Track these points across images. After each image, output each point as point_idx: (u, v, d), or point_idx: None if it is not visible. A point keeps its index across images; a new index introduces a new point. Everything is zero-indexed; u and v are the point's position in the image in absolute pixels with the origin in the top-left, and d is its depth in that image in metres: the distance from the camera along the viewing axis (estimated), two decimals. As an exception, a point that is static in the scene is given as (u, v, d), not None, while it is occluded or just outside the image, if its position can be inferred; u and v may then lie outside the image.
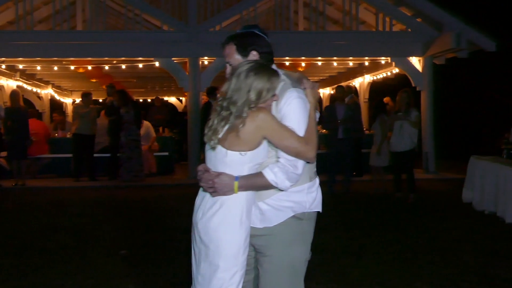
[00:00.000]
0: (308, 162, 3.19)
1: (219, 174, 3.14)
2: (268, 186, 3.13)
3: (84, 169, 14.60)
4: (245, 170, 3.14)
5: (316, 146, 3.12)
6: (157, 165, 15.39)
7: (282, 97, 3.16)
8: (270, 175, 3.10)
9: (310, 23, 15.53)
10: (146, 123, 15.60)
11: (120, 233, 8.13)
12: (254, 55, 3.28)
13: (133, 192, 12.33)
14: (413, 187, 10.80)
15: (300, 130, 3.12)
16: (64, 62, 16.66)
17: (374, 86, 20.09)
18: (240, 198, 3.15)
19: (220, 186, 3.11)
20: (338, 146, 11.61)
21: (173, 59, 14.71)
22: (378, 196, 11.41)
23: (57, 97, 22.97)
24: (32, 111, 16.50)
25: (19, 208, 10.58)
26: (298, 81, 3.28)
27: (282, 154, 3.12)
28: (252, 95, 3.08)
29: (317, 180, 3.36)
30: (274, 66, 3.33)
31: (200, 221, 3.20)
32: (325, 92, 23.16)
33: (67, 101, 24.29)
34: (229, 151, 3.12)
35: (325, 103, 22.49)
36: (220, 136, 3.13)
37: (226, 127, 3.11)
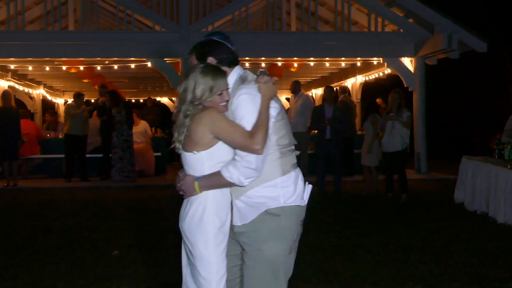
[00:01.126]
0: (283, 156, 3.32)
1: (184, 176, 3.36)
2: (227, 183, 3.24)
3: (76, 170, 14.57)
4: (205, 170, 3.29)
5: (263, 138, 3.15)
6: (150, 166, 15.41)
7: (234, 95, 3.32)
8: (225, 173, 3.22)
9: (302, 23, 15.54)
10: (143, 122, 15.61)
11: (112, 233, 8.11)
12: (211, 61, 3.43)
13: (124, 193, 12.31)
14: (405, 188, 10.83)
15: (248, 125, 3.20)
16: (56, 63, 16.63)
17: (366, 87, 20.13)
18: (204, 198, 3.30)
19: (185, 188, 3.34)
20: (326, 146, 11.62)
21: (165, 59, 14.70)
22: (370, 196, 11.43)
23: (49, 97, 22.89)
24: (23, 112, 16.45)
25: (11, 209, 10.54)
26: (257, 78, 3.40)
27: (236, 150, 3.24)
28: (197, 92, 3.26)
29: (293, 174, 3.38)
30: (238, 67, 3.51)
31: (180, 223, 3.40)
32: (317, 92, 23.17)
33: (59, 101, 24.22)
34: (186, 153, 3.33)
35: (318, 103, 22.51)
36: (181, 139, 3.34)
37: (185, 130, 3.30)
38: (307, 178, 11.45)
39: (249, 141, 3.14)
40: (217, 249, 3.28)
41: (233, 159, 3.24)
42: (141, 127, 15.51)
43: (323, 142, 11.67)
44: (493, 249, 7.05)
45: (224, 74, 3.35)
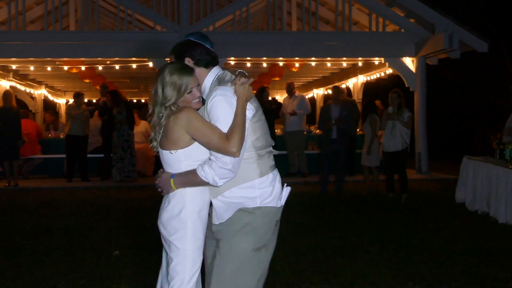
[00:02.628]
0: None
1: (162, 173, 3.45)
2: (202, 182, 3.29)
3: (76, 170, 14.59)
4: (182, 168, 3.36)
5: (240, 141, 3.16)
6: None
7: (209, 96, 3.34)
8: (200, 172, 3.26)
9: (303, 23, 15.54)
10: (144, 122, 15.64)
11: (113, 233, 8.12)
12: (188, 62, 3.47)
13: (125, 193, 12.31)
14: (405, 187, 10.82)
15: (223, 126, 3.22)
16: (57, 63, 16.63)
17: (367, 87, 20.12)
18: (183, 195, 3.37)
19: (161, 184, 3.42)
20: (332, 146, 11.63)
21: (166, 59, 14.67)
22: (371, 196, 11.42)
23: (50, 97, 22.89)
24: (24, 111, 16.49)
25: (11, 209, 10.54)
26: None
27: (211, 151, 3.28)
28: (166, 94, 3.31)
29: (271, 176, 3.41)
30: (217, 68, 3.53)
31: (158, 220, 3.49)
32: (319, 92, 23.17)
33: (61, 101, 24.21)
34: (164, 151, 3.39)
35: (319, 103, 22.52)
36: (157, 138, 3.41)
37: (161, 130, 3.36)
38: (309, 177, 11.44)
39: (225, 143, 3.16)
40: (194, 245, 3.35)
41: (209, 158, 3.29)
42: (142, 127, 15.52)
43: (329, 142, 11.67)
44: (493, 249, 7.04)
45: (191, 71, 3.38)
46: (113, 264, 6.44)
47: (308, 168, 14.74)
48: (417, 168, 15.16)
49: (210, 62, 3.49)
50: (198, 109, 3.41)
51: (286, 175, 14.57)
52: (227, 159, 3.18)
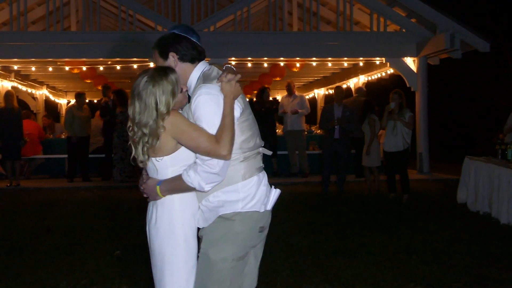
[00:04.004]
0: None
1: (147, 178, 3.25)
2: (189, 188, 3.11)
3: (78, 170, 14.60)
4: (169, 174, 3.18)
5: (230, 142, 2.99)
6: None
7: (194, 95, 3.14)
8: (185, 177, 3.08)
9: (304, 23, 15.53)
10: None
11: (114, 233, 8.12)
12: (172, 56, 3.29)
13: (126, 193, 12.31)
14: (407, 188, 10.81)
15: (210, 128, 3.04)
16: (58, 63, 16.64)
17: (368, 87, 20.08)
18: (171, 201, 3.20)
19: (147, 191, 3.23)
20: (333, 146, 11.63)
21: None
22: (372, 197, 11.41)
23: (52, 97, 22.92)
24: (26, 112, 16.49)
25: (13, 209, 10.54)
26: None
27: (197, 154, 3.10)
28: (162, 108, 3.07)
29: (255, 179, 3.21)
30: (203, 63, 3.34)
31: (146, 227, 3.34)
32: (320, 92, 23.17)
33: (62, 101, 24.24)
34: (151, 158, 3.18)
35: (320, 103, 22.52)
36: (145, 150, 3.15)
37: (145, 147, 3.13)
38: (311, 177, 11.45)
39: (215, 146, 2.97)
40: (187, 253, 3.20)
41: (194, 162, 3.11)
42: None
43: (331, 142, 11.67)
44: (495, 250, 7.04)
45: (173, 71, 3.19)
46: (115, 264, 6.45)
47: (309, 168, 14.74)
48: (418, 168, 15.14)
49: (196, 57, 3.31)
50: (182, 108, 3.26)
51: (287, 175, 14.57)
52: (214, 161, 3.01)
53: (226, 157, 3.00)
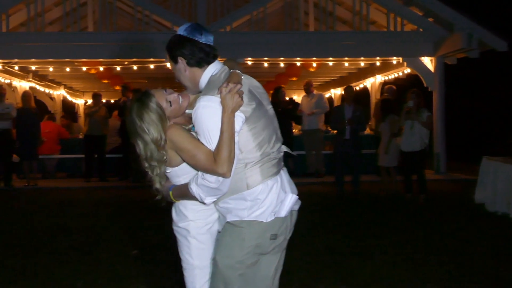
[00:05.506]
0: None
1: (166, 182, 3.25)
2: (195, 196, 3.07)
3: (95, 170, 14.68)
4: (181, 181, 3.20)
5: (228, 160, 2.87)
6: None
7: (195, 106, 3.03)
8: (190, 187, 3.07)
9: (320, 23, 15.50)
10: None
11: (130, 233, 8.16)
12: (181, 61, 3.17)
13: (143, 193, 12.32)
14: (424, 188, 10.74)
15: (208, 143, 2.95)
16: (75, 63, 16.74)
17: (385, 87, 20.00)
18: (183, 205, 3.27)
19: (164, 194, 3.25)
20: (344, 146, 11.58)
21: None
22: (388, 197, 11.36)
23: (69, 98, 23.08)
24: (51, 116, 16.82)
25: (30, 209, 10.62)
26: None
27: None
28: (156, 136, 3.06)
29: (262, 186, 3.06)
30: (213, 65, 3.18)
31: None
32: (336, 92, 23.11)
33: (79, 102, 24.39)
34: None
35: (336, 103, 22.47)
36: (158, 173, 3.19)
37: (159, 176, 3.19)
38: (326, 178, 11.36)
39: (213, 165, 2.89)
40: (200, 254, 3.23)
41: (197, 173, 3.06)
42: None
43: (342, 142, 11.62)
44: (513, 251, 6.99)
45: (148, 94, 3.12)
46: (131, 264, 6.47)
47: (326, 168, 14.69)
48: (435, 168, 15.06)
49: (203, 59, 3.13)
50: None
51: (303, 175, 14.54)
52: (212, 178, 2.92)
53: (225, 175, 2.90)
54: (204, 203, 3.10)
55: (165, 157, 3.09)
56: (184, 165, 3.13)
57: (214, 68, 3.16)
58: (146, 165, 3.17)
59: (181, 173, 3.17)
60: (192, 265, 3.25)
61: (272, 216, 3.07)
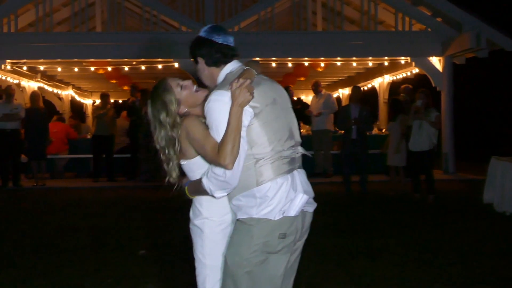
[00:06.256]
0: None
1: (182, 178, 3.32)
2: (207, 191, 3.12)
3: (103, 170, 14.71)
4: (196, 176, 3.24)
5: (231, 152, 2.93)
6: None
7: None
8: (202, 180, 3.12)
9: (328, 23, 15.48)
10: None
11: (139, 233, 8.17)
12: (201, 61, 3.30)
13: (151, 193, 12.37)
14: (432, 188, 10.72)
15: (216, 135, 3.02)
16: (84, 64, 16.79)
17: (393, 87, 19.96)
18: (199, 203, 3.31)
19: (182, 190, 3.28)
20: (351, 146, 11.57)
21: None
22: (396, 197, 11.33)
23: (77, 98, 23.15)
24: (60, 117, 16.86)
25: (38, 208, 10.66)
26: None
27: None
28: (163, 115, 3.20)
29: (271, 184, 3.07)
30: (230, 65, 3.27)
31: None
32: (344, 92, 23.09)
33: (87, 102, 24.46)
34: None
35: (344, 103, 22.42)
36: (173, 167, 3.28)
37: (172, 161, 3.26)
38: (334, 178, 11.33)
39: (216, 156, 2.96)
40: (212, 254, 3.26)
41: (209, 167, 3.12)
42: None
43: (349, 142, 11.61)
44: (522, 251, 6.96)
45: (160, 82, 3.31)
46: (140, 264, 6.47)
47: (333, 168, 14.66)
48: (443, 168, 15.01)
49: (220, 59, 3.24)
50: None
51: (310, 175, 14.47)
52: (220, 171, 2.98)
53: (228, 166, 2.95)
54: (214, 197, 3.13)
55: (177, 144, 3.18)
56: (198, 158, 3.19)
57: (231, 67, 3.25)
58: (163, 156, 3.25)
59: (195, 167, 3.23)
60: (204, 264, 3.28)
61: (280, 215, 3.07)
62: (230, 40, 3.27)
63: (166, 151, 3.22)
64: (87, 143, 15.78)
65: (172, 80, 3.30)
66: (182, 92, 3.26)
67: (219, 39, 3.24)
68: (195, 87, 3.31)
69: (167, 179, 3.31)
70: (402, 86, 15.15)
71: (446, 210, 9.90)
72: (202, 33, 3.31)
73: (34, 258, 6.83)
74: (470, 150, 20.86)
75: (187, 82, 3.32)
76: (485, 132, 24.51)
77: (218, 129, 3.00)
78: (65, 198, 11.87)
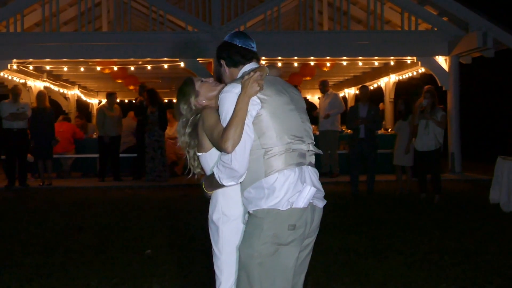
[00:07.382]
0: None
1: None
2: (219, 183, 3.25)
3: (109, 169, 14.74)
4: (212, 169, 3.34)
5: (233, 136, 3.07)
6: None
7: None
8: (214, 170, 3.27)
9: (334, 23, 15.47)
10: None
11: (145, 232, 8.17)
12: (223, 62, 3.53)
13: (157, 192, 12.39)
14: (438, 188, 10.69)
15: (224, 123, 3.18)
16: (90, 63, 16.82)
17: (399, 86, 19.93)
18: (215, 198, 3.40)
19: (201, 188, 3.42)
20: (359, 146, 11.55)
21: (197, 59, 14.78)
22: (403, 197, 11.31)
23: (83, 97, 23.20)
24: (66, 117, 16.90)
25: (45, 208, 10.68)
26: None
27: None
28: (182, 103, 3.52)
29: (277, 175, 3.16)
30: (248, 65, 3.46)
31: None
32: (350, 92, 23.07)
33: (93, 101, 24.51)
34: (198, 153, 3.45)
35: (351, 103, 22.40)
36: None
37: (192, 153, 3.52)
38: (340, 177, 11.36)
39: (219, 139, 3.14)
40: (225, 247, 3.34)
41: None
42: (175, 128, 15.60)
43: (357, 142, 11.61)
44: (529, 251, 6.93)
45: (184, 82, 3.58)
46: (145, 263, 6.48)
47: (340, 168, 14.65)
48: (450, 168, 14.98)
49: (239, 61, 3.46)
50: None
51: (316, 175, 14.45)
52: (227, 157, 3.12)
53: (227, 149, 3.09)
54: (224, 186, 3.25)
55: (192, 135, 3.46)
56: (214, 150, 3.32)
57: (249, 67, 3.45)
58: (188, 149, 3.54)
59: (210, 160, 3.36)
60: (219, 259, 3.36)
61: (288, 205, 3.15)
62: (251, 44, 3.52)
63: (192, 142, 3.47)
64: (93, 142, 15.81)
65: (197, 78, 3.59)
66: (202, 85, 3.51)
67: (239, 42, 3.49)
68: (215, 82, 3.56)
69: (191, 173, 3.63)
70: (426, 87, 15.09)
71: (452, 210, 9.88)
72: (226, 38, 3.57)
73: (40, 257, 6.84)
74: (477, 150, 20.82)
75: (208, 78, 3.60)
76: (491, 132, 24.44)
77: (226, 117, 3.17)
78: (71, 197, 11.90)
